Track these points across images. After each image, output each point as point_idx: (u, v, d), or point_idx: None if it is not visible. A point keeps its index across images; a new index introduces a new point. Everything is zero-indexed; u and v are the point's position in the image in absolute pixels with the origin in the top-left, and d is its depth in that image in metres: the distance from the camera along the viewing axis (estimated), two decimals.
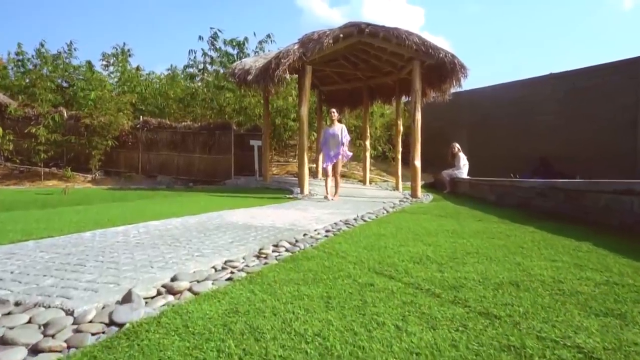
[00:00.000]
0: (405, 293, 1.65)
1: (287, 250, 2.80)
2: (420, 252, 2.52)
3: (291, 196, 8.25)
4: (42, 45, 17.76)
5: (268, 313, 1.45)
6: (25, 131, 10.93)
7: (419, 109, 8.43)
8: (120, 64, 17.15)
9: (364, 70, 11.09)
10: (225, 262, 2.35)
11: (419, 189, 8.40)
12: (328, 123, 7.96)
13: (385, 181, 13.62)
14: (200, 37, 15.03)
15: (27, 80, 18.05)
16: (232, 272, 2.13)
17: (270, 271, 2.05)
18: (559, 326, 1.32)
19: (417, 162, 8.47)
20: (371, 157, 13.08)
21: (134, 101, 12.44)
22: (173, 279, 1.98)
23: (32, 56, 18.03)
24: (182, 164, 11.91)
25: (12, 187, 10.43)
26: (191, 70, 19.20)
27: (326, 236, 3.48)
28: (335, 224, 4.22)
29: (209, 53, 15.27)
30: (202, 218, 4.47)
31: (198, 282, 1.98)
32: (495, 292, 1.67)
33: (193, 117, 15.45)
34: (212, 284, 1.93)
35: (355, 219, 4.67)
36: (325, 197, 7.43)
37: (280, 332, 1.28)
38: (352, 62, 10.96)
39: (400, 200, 7.78)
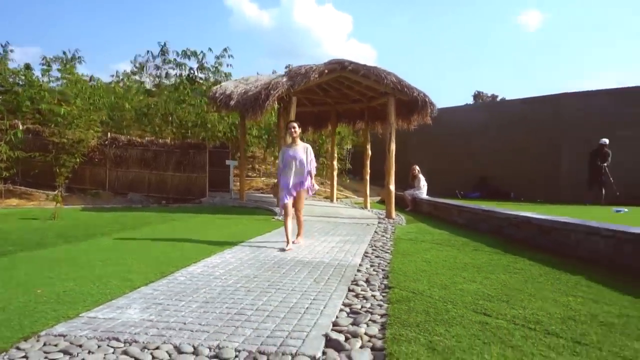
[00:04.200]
0: (518, 329, 2.51)
1: (370, 288, 3.58)
2: (476, 289, 3.42)
3: (280, 218, 8.90)
4: None
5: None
6: None
7: (394, 140, 9.51)
8: (68, 72, 16.49)
9: (333, 97, 11.99)
10: (349, 306, 3.09)
11: (394, 212, 9.45)
12: (288, 141, 5.76)
13: (346, 197, 14.65)
14: (150, 52, 14.98)
15: None
16: (370, 315, 2.87)
17: (403, 313, 2.83)
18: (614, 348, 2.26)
19: (392, 187, 9.53)
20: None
21: (104, 118, 12.25)
22: (335, 324, 2.69)
23: None
24: (153, 182, 11.95)
25: None
26: (137, 78, 18.95)
27: (376, 271, 4.27)
28: (366, 256, 5.02)
29: (163, 67, 15.30)
30: (245, 253, 5.03)
31: (354, 324, 2.70)
32: (564, 325, 2.61)
33: (152, 131, 15.35)
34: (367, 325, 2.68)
35: (373, 248, 5.51)
36: (284, 249, 5.25)
37: None
38: (323, 89, 11.80)
39: (379, 222, 8.75)
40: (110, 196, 11.81)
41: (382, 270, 4.29)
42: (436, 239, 6.30)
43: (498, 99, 37.55)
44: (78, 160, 11.26)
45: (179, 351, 2.29)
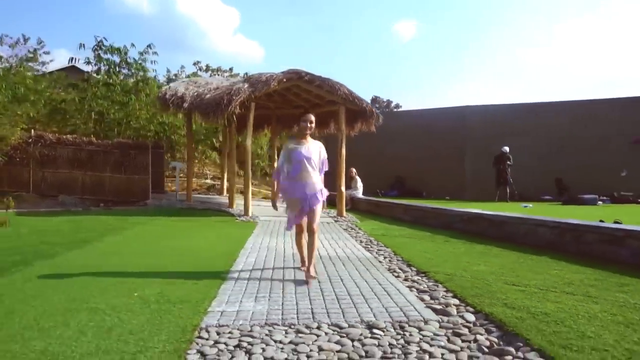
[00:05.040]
0: (548, 292, 3.59)
1: (408, 274, 4.43)
2: (487, 270, 4.47)
3: (244, 219, 9.27)
4: None
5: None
6: None
7: (344, 146, 10.49)
8: None
9: (276, 101, 12.56)
10: (413, 287, 3.91)
11: (344, 210, 10.44)
12: (296, 137, 4.51)
13: None
14: (82, 45, 13.91)
15: None
16: (438, 291, 3.73)
17: (460, 289, 3.74)
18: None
19: (343, 188, 10.51)
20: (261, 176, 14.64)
21: (32, 114, 11.06)
22: (422, 299, 3.50)
23: None
24: (88, 183, 11.22)
25: None
26: (31, 64, 17.42)
27: (392, 261, 5.13)
28: (368, 250, 5.87)
29: (93, 62, 14.34)
30: (265, 253, 5.54)
31: (433, 298, 3.53)
32: (570, 287, 3.76)
33: (73, 129, 14.23)
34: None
35: (365, 244, 6.38)
36: (308, 278, 4.08)
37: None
38: (268, 94, 12.27)
39: (335, 220, 9.66)
40: (37, 199, 10.83)
41: (398, 260, 5.17)
42: (405, 234, 7.39)
43: (392, 104, 41.25)
44: (0, 159, 10.19)
45: (339, 327, 2.90)
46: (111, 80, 14.02)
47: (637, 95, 15.57)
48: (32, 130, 11.28)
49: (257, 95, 9.72)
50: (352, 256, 5.36)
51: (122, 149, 11.45)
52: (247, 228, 7.98)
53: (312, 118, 4.37)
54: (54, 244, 5.87)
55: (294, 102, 12.25)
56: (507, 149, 13.89)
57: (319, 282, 4.06)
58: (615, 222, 5.82)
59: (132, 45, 15.24)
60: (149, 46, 15.74)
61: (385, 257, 5.34)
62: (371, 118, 10.59)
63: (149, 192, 11.51)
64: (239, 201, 11.16)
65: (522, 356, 2.44)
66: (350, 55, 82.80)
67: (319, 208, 4.34)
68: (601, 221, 5.94)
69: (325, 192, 4.44)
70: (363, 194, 12.95)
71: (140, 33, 74.61)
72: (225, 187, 13.73)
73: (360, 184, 12.76)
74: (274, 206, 4.56)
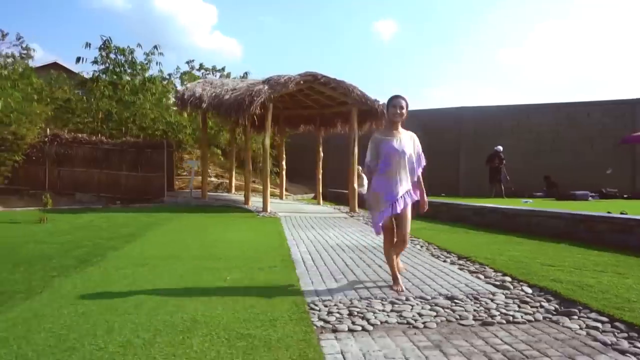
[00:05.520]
0: (582, 270, 4.19)
1: (452, 259, 5.00)
2: (520, 255, 5.07)
3: (265, 214, 9.71)
4: None
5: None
6: None
7: (357, 145, 11.03)
8: None
9: (285, 102, 13.01)
10: (464, 269, 4.47)
11: (356, 206, 10.99)
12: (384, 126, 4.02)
13: (287, 196, 15.74)
14: (88, 45, 14.03)
15: None
16: (489, 272, 4.30)
17: (507, 269, 4.32)
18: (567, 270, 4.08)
19: (356, 185, 11.06)
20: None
21: (50, 113, 11.19)
22: (478, 278, 4.07)
23: None
24: (104, 181, 11.46)
25: None
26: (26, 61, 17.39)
27: (428, 249, 5.70)
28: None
29: (99, 61, 14.48)
30: (320, 246, 6.04)
31: (487, 277, 4.10)
32: (598, 267, 4.38)
33: (77, 127, 14.34)
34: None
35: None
36: (397, 288, 3.64)
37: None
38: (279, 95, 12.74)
39: (350, 216, 10.21)
40: (54, 197, 10.97)
41: (434, 248, 5.74)
42: (425, 227, 7.96)
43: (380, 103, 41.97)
44: (19, 158, 10.36)
45: (424, 299, 3.42)
46: (119, 80, 14.21)
47: (620, 98, 16.62)
48: (48, 129, 11.43)
49: (275, 96, 10.16)
50: (370, 246, 5.88)
51: (137, 148, 11.72)
52: (274, 223, 8.43)
53: (404, 103, 3.74)
54: (107, 239, 6.21)
55: (303, 102, 12.73)
56: (500, 148, 14.69)
57: (379, 266, 4.58)
58: (622, 213, 6.53)
59: (139, 45, 15.44)
60: (155, 47, 16.00)
61: (421, 246, 5.89)
62: (382, 118, 11.15)
63: (164, 189, 11.82)
64: (253, 198, 11.59)
65: (585, 316, 3.02)
66: (335, 52, 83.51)
67: (409, 211, 3.76)
68: (609, 212, 6.64)
69: (414, 194, 3.84)
70: None
71: (115, 28, 72.89)
72: (233, 185, 14.12)
73: (366, 182, 13.28)
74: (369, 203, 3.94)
